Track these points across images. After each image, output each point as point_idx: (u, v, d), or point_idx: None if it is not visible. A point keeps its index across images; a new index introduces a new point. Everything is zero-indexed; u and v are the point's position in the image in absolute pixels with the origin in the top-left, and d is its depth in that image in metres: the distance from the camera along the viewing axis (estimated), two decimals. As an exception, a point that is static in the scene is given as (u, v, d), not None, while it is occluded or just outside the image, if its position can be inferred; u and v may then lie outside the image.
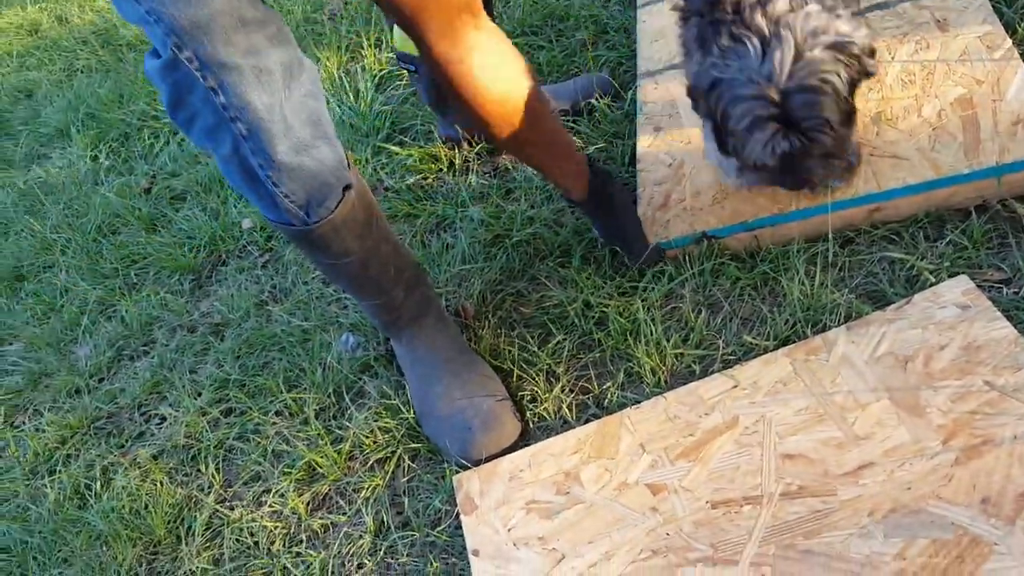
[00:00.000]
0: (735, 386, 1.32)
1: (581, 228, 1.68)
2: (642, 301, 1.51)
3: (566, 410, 1.44)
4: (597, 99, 1.91)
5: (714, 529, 1.17)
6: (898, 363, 1.22)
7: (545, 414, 1.45)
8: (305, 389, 1.69)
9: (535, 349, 1.54)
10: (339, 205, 1.29)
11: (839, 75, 1.27)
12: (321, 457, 1.54)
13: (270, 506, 1.54)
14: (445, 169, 2.04)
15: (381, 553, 1.39)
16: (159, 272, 2.23)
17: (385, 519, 1.43)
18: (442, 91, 1.50)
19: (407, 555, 1.37)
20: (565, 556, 1.23)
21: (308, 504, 1.51)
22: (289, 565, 1.43)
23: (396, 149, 2.14)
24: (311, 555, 1.43)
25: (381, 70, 2.44)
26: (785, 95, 1.27)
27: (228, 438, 1.69)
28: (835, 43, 1.27)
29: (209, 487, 1.63)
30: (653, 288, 1.53)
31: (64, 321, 2.21)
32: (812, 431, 1.21)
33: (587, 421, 1.41)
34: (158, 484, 1.67)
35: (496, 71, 1.26)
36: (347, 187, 1.30)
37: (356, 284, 1.47)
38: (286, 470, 1.57)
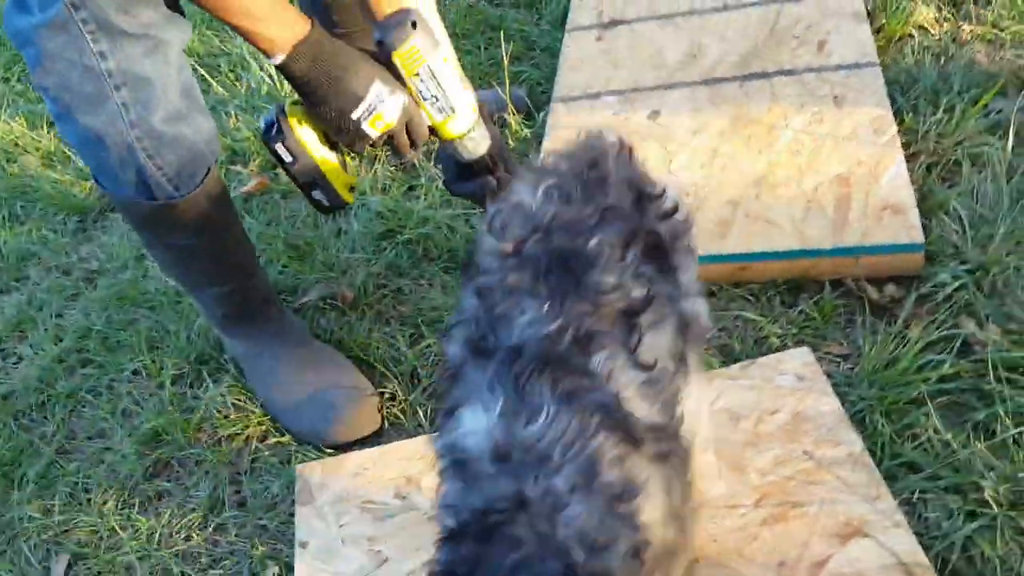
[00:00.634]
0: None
1: (473, 238, 1.70)
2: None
3: (423, 415, 1.45)
4: (510, 114, 1.93)
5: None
6: (731, 419, 1.28)
7: (401, 415, 1.47)
8: (166, 353, 1.67)
9: (404, 348, 1.55)
10: (205, 179, 1.29)
11: None
12: (169, 423, 1.53)
13: (109, 465, 1.52)
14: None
15: (211, 529, 1.39)
16: (45, 208, 2.17)
17: (222, 496, 1.42)
18: None
19: (236, 535, 1.37)
20: (388, 559, 1.24)
21: (148, 469, 1.50)
22: (117, 527, 1.41)
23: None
24: (141, 520, 1.41)
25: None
26: None
27: (80, 390, 1.66)
28: None
29: (52, 436, 1.60)
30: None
31: (-65, 243, 2.13)
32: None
33: (441, 428, 1.43)
34: (0, 425, 1.63)
35: None
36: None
37: (208, 269, 1.44)
38: (131, 431, 1.55)
